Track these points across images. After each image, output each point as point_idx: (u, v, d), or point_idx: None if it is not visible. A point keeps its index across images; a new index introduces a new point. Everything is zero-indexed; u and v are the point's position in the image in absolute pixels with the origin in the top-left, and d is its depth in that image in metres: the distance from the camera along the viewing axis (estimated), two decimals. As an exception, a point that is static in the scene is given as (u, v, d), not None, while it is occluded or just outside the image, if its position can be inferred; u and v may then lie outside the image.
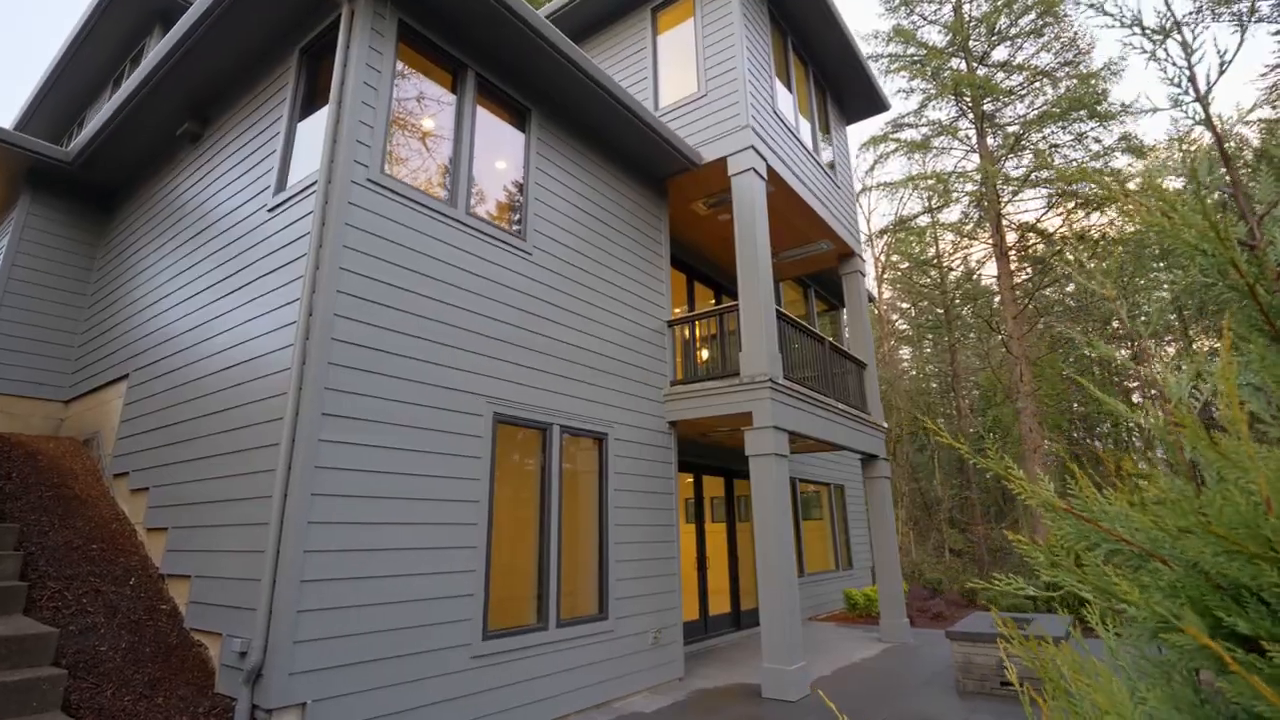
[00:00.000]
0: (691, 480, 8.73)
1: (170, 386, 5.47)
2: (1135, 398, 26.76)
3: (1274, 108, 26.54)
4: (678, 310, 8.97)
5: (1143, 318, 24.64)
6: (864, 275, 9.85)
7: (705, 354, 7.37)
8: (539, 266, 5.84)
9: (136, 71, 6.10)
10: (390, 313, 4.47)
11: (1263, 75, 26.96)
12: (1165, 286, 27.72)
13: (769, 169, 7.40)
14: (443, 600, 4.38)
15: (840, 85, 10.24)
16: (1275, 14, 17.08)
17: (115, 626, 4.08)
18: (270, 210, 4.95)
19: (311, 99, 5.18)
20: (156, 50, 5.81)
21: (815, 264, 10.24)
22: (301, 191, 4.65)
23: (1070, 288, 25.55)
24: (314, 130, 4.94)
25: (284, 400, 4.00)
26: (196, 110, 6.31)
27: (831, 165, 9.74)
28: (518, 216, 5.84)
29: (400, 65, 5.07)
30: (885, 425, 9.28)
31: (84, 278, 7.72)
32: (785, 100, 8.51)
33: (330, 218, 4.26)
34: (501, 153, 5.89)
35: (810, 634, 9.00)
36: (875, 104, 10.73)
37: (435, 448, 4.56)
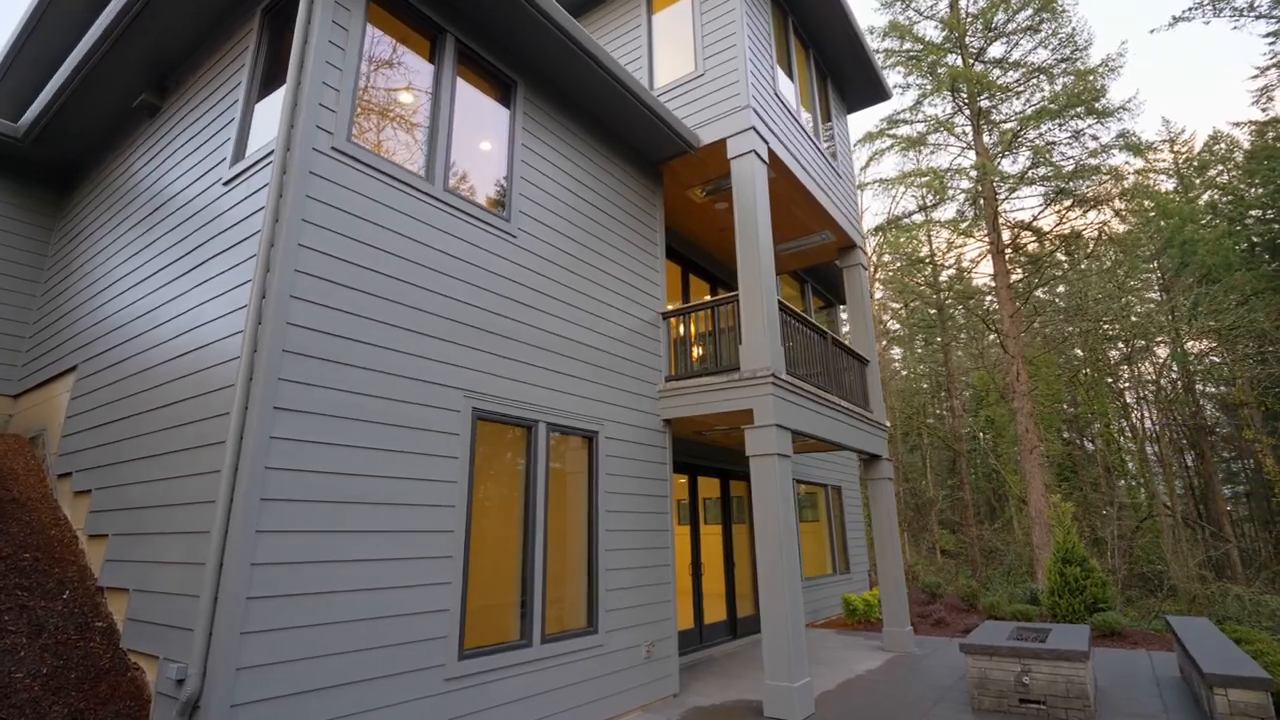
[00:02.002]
0: (685, 481, 8.32)
1: (117, 379, 4.98)
2: (1128, 397, 26.71)
3: (1264, 110, 26.60)
4: (672, 304, 8.55)
5: (1135, 318, 24.55)
6: (865, 268, 9.49)
7: (702, 348, 6.95)
8: (524, 251, 5.39)
9: (86, 36, 5.58)
10: (357, 296, 4.02)
11: (1254, 77, 27.01)
12: (1157, 286, 27.70)
13: (770, 153, 7.00)
14: (413, 617, 3.93)
15: (842, 71, 9.87)
16: (1273, 10, 16.94)
17: (38, 648, 3.59)
18: (226, 184, 4.47)
19: (275, 64, 4.70)
20: (106, 12, 5.30)
21: (815, 257, 9.86)
22: (259, 161, 4.18)
23: (1062, 288, 25.42)
24: (278, 99, 4.47)
25: (231, 393, 3.54)
26: (154, 80, 5.81)
27: (833, 153, 9.37)
28: (501, 196, 5.40)
29: (371, 28, 4.62)
30: (887, 424, 8.92)
31: (38, 263, 7.18)
32: (786, 84, 8.12)
33: (289, 189, 3.80)
34: (484, 127, 5.44)
35: (810, 642, 8.61)
36: (877, 92, 10.37)
37: (407, 446, 4.11)
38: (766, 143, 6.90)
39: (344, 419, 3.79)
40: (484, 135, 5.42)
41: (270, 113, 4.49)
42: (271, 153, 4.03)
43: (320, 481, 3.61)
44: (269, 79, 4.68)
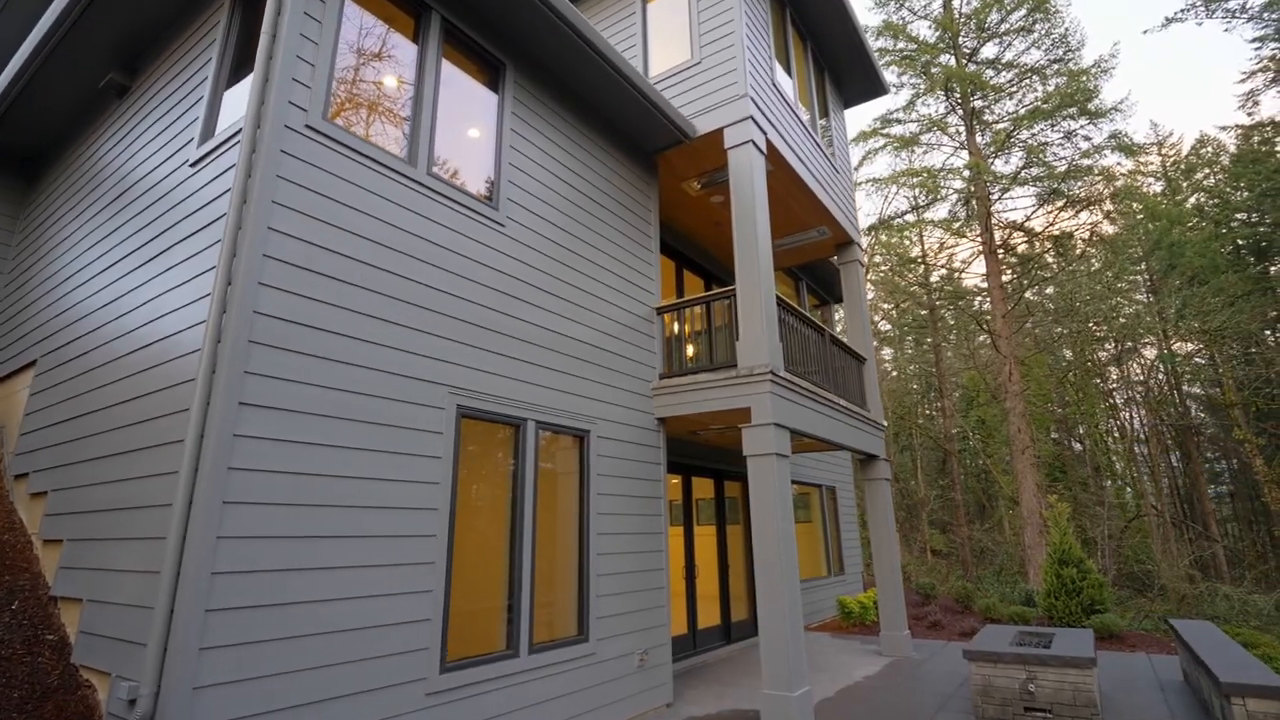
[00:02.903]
0: (679, 482, 8.10)
1: (77, 374, 4.68)
2: (1117, 398, 26.84)
3: (1250, 114, 26.83)
4: (666, 299, 8.33)
5: (1123, 319, 24.65)
6: (863, 265, 9.32)
7: (698, 345, 6.73)
8: (513, 241, 5.15)
9: (49, 9, 5.26)
10: (332, 284, 3.75)
11: (1240, 81, 27.24)
12: (1144, 288, 27.86)
13: (768, 144, 6.79)
14: (392, 628, 3.68)
15: (839, 65, 9.69)
16: (1264, 12, 17.01)
17: (-21, 665, 3.30)
18: (193, 165, 4.19)
19: (249, 41, 4.42)
20: (68, -17, 4.99)
21: (811, 253, 9.68)
22: (228, 140, 3.90)
23: (1050, 290, 25.49)
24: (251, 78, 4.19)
25: (192, 387, 3.27)
26: (123, 58, 5.49)
27: (831, 147, 9.19)
28: (489, 184, 5.14)
29: (350, 2, 4.35)
30: (885, 423, 8.75)
31: (2, 254, 6.84)
32: (783, 76, 7.92)
33: (258, 169, 3.53)
34: (471, 112, 5.19)
35: (806, 646, 8.41)
36: (874, 86, 10.21)
37: (386, 445, 3.85)
38: (764, 133, 6.69)
39: (317, 416, 3.53)
40: (471, 120, 5.17)
41: (243, 93, 4.22)
42: (240, 131, 3.76)
43: (290, 483, 3.34)
44: (242, 57, 4.40)
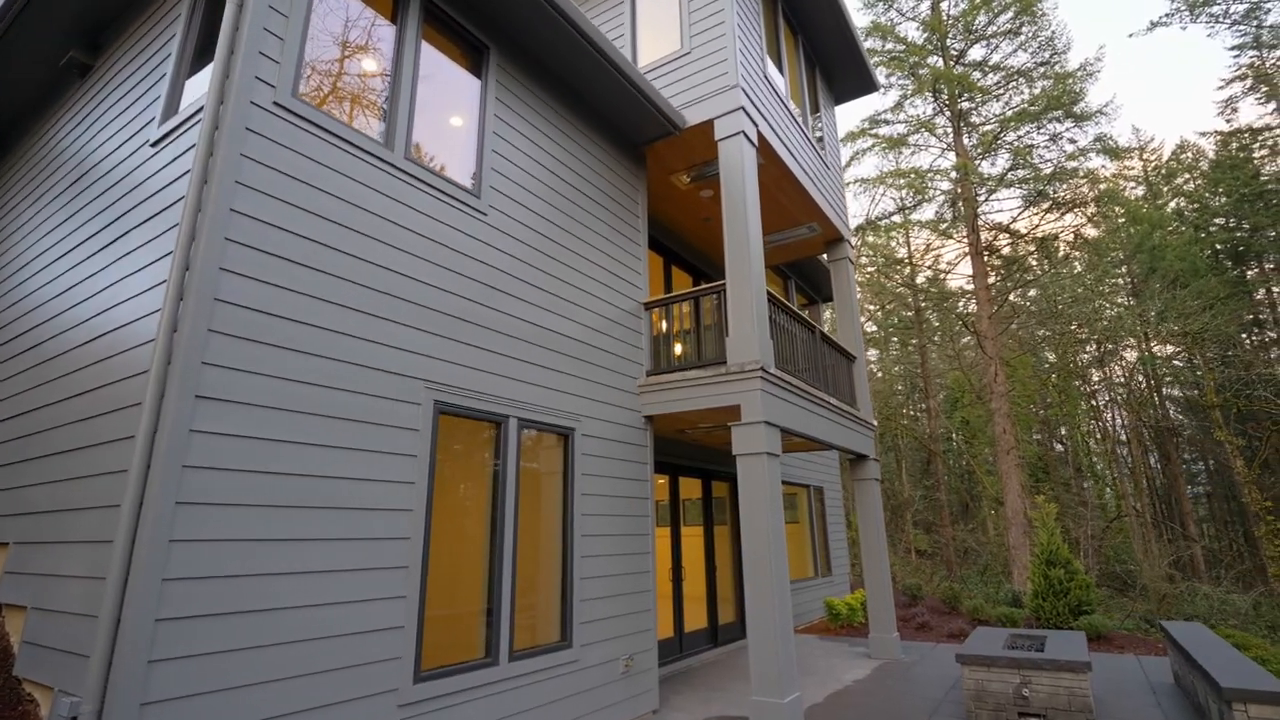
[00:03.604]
0: (665, 482, 7.94)
1: (28, 366, 4.41)
2: (1098, 400, 27.12)
3: (1228, 121, 27.28)
4: (654, 295, 8.15)
5: (1105, 322, 24.90)
6: (853, 263, 9.21)
7: (686, 341, 6.57)
8: (496, 231, 4.95)
9: (3, -17, 4.97)
10: (301, 271, 3.53)
11: (1219, 88, 27.64)
12: (1126, 291, 28.20)
13: (759, 136, 6.65)
14: (362, 636, 3.47)
15: (830, 60, 9.59)
16: (1245, 20, 17.22)
17: (-92, 680, 3.04)
18: (154, 144, 3.95)
19: (215, 14, 4.18)
20: (24, -46, 4.71)
21: (801, 250, 9.56)
22: (191, 118, 3.67)
23: (1033, 292, 25.68)
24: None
25: (145, 380, 3.04)
26: (85, 34, 5.21)
27: (821, 143, 9.08)
28: (471, 172, 4.94)
29: (326, -25, 4.13)
30: (875, 423, 8.65)
31: (-44, 242, 6.49)
32: (774, 69, 7.79)
33: (220, 147, 3.31)
34: (452, 96, 4.98)
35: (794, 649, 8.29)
36: (865, 83, 10.12)
37: (358, 443, 3.64)
38: (756, 125, 6.55)
39: (282, 411, 3.31)
40: (452, 105, 4.96)
41: (210, 73, 3.98)
42: (203, 108, 3.53)
43: (251, 482, 3.12)
44: (209, 34, 4.15)
